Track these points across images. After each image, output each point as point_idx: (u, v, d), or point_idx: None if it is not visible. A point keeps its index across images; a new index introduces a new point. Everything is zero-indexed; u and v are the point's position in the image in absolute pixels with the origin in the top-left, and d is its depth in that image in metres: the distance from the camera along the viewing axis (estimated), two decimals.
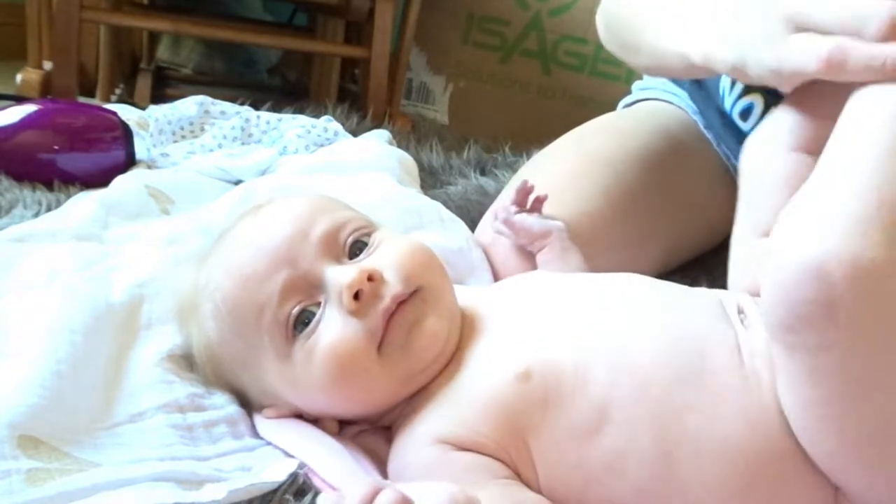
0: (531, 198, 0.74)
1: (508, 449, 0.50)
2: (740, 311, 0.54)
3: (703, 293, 0.58)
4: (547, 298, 0.59)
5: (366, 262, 0.55)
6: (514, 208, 0.74)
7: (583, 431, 0.49)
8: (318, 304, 0.54)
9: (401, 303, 0.53)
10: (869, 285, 0.42)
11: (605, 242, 0.80)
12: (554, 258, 0.71)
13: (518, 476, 0.50)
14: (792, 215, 0.47)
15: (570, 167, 0.88)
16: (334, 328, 0.52)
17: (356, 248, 0.56)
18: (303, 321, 0.53)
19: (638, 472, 0.48)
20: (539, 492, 0.50)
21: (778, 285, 0.45)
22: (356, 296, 0.52)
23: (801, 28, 0.52)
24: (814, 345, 0.44)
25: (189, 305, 0.60)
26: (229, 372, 0.59)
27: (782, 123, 0.58)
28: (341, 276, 0.53)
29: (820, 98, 0.54)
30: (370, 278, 0.52)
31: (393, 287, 0.53)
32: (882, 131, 0.46)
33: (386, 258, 0.55)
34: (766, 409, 0.48)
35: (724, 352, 0.50)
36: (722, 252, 1.05)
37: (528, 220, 0.72)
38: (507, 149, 1.35)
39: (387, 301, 0.52)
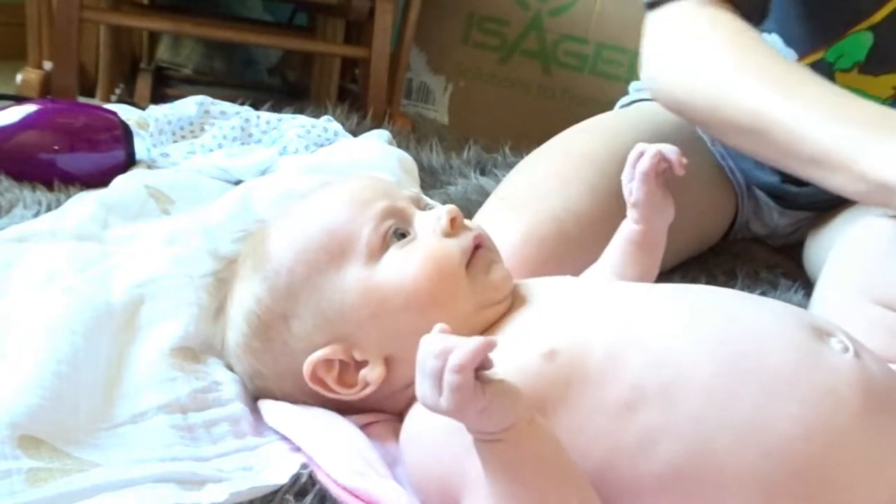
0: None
1: None
2: (829, 334, 0.53)
3: (789, 309, 0.57)
4: (585, 292, 0.60)
5: None
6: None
7: (614, 408, 0.49)
8: (410, 233, 0.58)
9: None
10: None
11: (593, 240, 0.78)
12: (628, 245, 0.67)
13: None
14: None
15: (557, 167, 0.89)
16: (431, 241, 0.57)
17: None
18: (398, 235, 0.57)
19: (672, 451, 0.48)
20: None
21: None
22: (451, 223, 0.57)
23: None
24: None
25: (258, 249, 0.59)
26: (300, 292, 0.56)
27: None
28: (433, 211, 0.59)
29: None
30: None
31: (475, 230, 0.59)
32: None
33: None
34: (832, 423, 0.48)
35: (791, 357, 0.50)
36: (722, 254, 1.07)
37: (654, 190, 0.65)
38: (507, 149, 1.35)
39: (476, 232, 0.58)
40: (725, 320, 0.53)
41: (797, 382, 0.49)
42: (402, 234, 0.57)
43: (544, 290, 0.60)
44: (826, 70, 0.84)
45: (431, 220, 0.58)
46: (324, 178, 0.67)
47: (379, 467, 0.53)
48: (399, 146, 1.17)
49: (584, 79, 1.77)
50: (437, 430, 0.50)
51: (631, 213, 0.67)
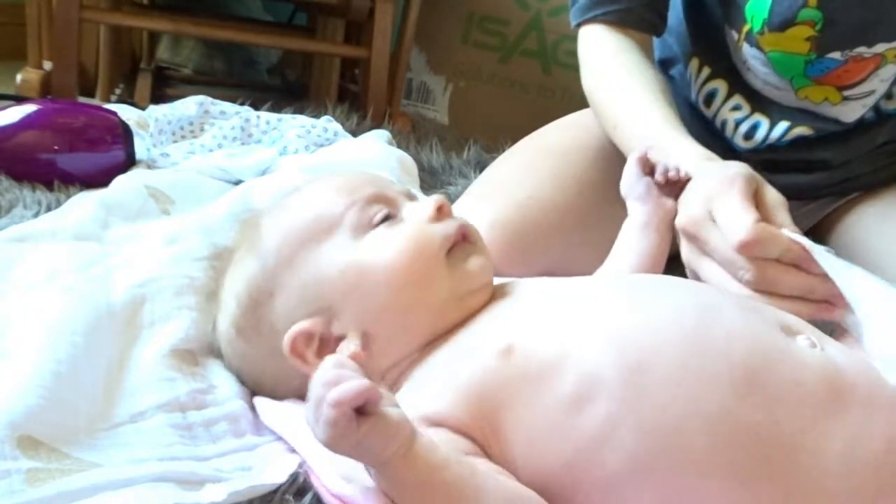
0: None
1: (482, 425, 0.51)
2: (796, 332, 0.53)
3: (757, 306, 0.57)
4: (551, 288, 0.60)
5: None
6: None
7: (569, 400, 0.49)
8: (397, 217, 0.59)
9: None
10: None
11: (556, 224, 0.85)
12: (638, 225, 0.69)
13: (485, 451, 0.50)
14: None
15: (523, 159, 0.93)
16: (416, 224, 0.58)
17: None
18: (385, 218, 0.59)
19: (637, 441, 0.48)
20: (514, 467, 0.50)
21: None
22: (438, 210, 0.59)
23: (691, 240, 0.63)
24: None
25: (251, 234, 0.62)
26: (287, 268, 0.59)
27: None
28: (422, 200, 0.61)
29: None
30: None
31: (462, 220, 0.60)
32: None
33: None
34: (800, 412, 0.48)
35: (759, 350, 0.51)
36: None
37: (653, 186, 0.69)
38: (506, 149, 1.34)
39: (462, 222, 0.59)
40: (695, 310, 0.53)
41: (765, 374, 0.50)
42: (388, 218, 0.59)
43: (515, 289, 0.61)
44: (753, 38, 0.86)
45: (419, 207, 0.60)
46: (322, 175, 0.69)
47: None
48: (399, 146, 1.17)
49: None
50: None
51: (630, 206, 0.70)
